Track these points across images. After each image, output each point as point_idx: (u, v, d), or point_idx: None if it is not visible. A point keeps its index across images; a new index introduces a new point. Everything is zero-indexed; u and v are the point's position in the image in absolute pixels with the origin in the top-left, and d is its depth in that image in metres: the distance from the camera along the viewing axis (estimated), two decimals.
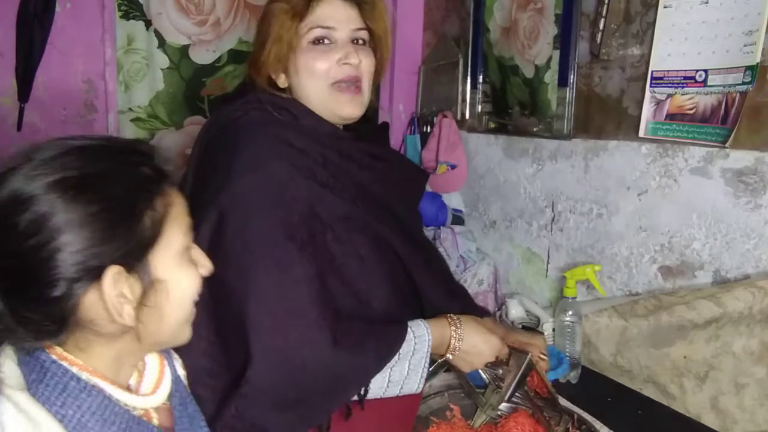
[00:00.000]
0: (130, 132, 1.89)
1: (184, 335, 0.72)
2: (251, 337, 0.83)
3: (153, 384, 0.71)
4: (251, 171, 0.89)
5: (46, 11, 1.70)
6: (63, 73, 1.77)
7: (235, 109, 0.99)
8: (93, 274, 0.58)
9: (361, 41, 1.01)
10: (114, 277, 0.59)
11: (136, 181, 0.62)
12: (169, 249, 0.65)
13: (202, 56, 1.94)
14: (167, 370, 0.74)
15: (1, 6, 1.66)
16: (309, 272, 0.87)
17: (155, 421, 0.69)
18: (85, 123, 1.83)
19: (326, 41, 0.98)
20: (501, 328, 1.18)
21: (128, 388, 0.69)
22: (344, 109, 1.00)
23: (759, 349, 1.11)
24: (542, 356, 1.16)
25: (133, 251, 0.61)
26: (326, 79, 0.98)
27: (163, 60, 1.89)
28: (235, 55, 1.97)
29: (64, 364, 0.61)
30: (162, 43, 1.87)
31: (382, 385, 0.92)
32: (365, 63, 1.00)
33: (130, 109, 1.88)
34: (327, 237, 0.92)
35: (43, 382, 0.60)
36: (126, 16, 1.83)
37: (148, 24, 1.85)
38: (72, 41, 1.77)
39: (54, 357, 0.61)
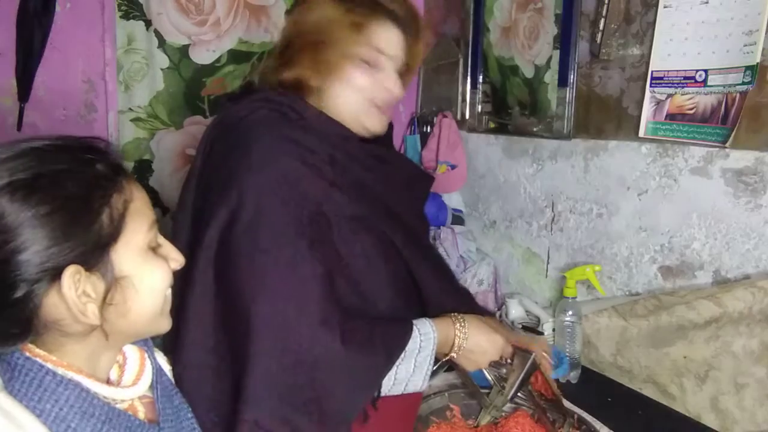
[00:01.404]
0: (130, 132, 1.89)
1: (162, 326, 0.72)
2: (260, 335, 0.83)
3: (134, 377, 0.71)
4: (260, 169, 0.89)
5: (46, 11, 1.70)
6: (63, 73, 1.77)
7: (242, 107, 0.99)
8: (52, 274, 0.58)
9: (399, 71, 1.03)
10: (73, 277, 0.59)
11: (90, 179, 0.62)
12: (132, 245, 0.64)
13: (202, 56, 1.93)
14: (148, 362, 0.74)
15: (1, 6, 1.66)
16: (318, 270, 0.87)
17: (141, 415, 0.69)
18: (85, 123, 1.83)
19: (377, 63, 0.99)
20: (504, 329, 1.18)
21: (109, 382, 0.68)
22: (373, 123, 1.02)
23: (759, 349, 1.11)
24: (545, 357, 1.16)
25: (93, 249, 0.60)
26: (365, 98, 1.00)
27: (163, 60, 1.89)
28: (235, 55, 1.97)
29: (38, 360, 0.61)
30: (162, 43, 1.87)
31: (388, 383, 0.92)
32: (402, 92, 1.04)
33: (130, 109, 1.87)
34: (333, 236, 0.92)
35: (18, 379, 0.60)
36: (126, 16, 1.82)
37: (148, 24, 1.84)
38: (72, 41, 1.77)
39: (27, 354, 0.61)
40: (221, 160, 0.95)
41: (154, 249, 0.69)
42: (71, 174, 0.61)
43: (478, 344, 1.00)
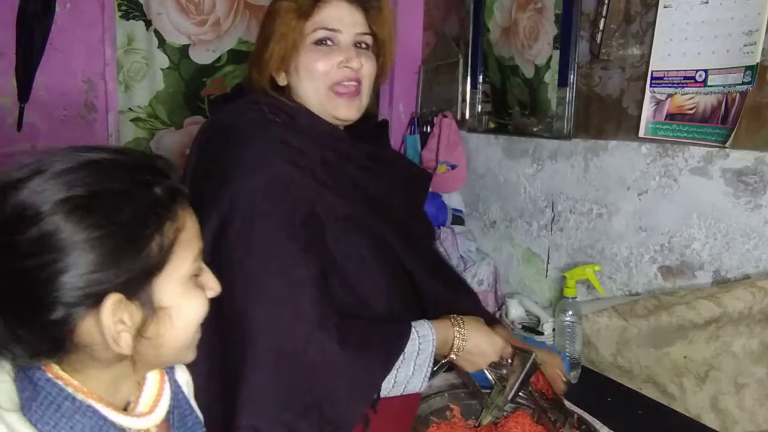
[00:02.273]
0: (130, 132, 1.89)
1: (188, 358, 0.70)
2: (255, 340, 0.82)
3: (151, 401, 0.69)
4: (252, 172, 0.89)
5: (46, 11, 1.70)
6: (63, 73, 1.77)
7: (233, 110, 0.98)
8: (92, 300, 0.56)
9: (363, 45, 1.01)
10: (113, 306, 0.57)
11: (147, 204, 0.59)
12: (175, 276, 0.62)
13: (202, 56, 1.94)
14: (167, 386, 0.72)
15: (1, 6, 1.66)
16: (311, 273, 0.87)
17: None
18: (85, 123, 1.83)
19: (329, 43, 0.98)
20: (514, 340, 1.16)
21: (126, 405, 0.67)
22: (340, 111, 1.00)
23: (759, 349, 1.11)
24: (560, 375, 1.15)
25: (137, 279, 0.58)
26: (325, 81, 0.98)
27: (163, 60, 1.89)
28: (235, 55, 1.97)
29: (59, 383, 0.59)
30: (162, 43, 1.87)
31: (387, 385, 0.91)
32: (366, 67, 1.00)
33: (130, 109, 1.88)
34: (327, 237, 0.92)
35: (36, 401, 0.58)
36: (126, 16, 1.83)
37: (148, 24, 1.85)
38: (72, 41, 1.77)
39: (49, 375, 0.59)
40: (212, 163, 0.94)
41: (195, 276, 0.66)
42: (128, 197, 0.58)
43: (477, 346, 1.00)
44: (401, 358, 0.91)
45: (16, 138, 1.72)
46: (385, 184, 1.05)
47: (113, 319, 0.57)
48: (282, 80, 1.01)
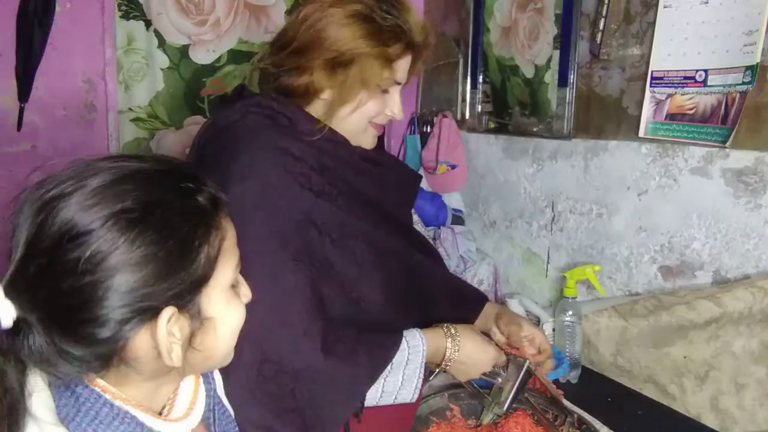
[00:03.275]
0: (130, 132, 1.89)
1: (226, 361, 0.70)
2: (241, 345, 0.81)
3: (187, 404, 0.68)
4: (246, 178, 0.88)
5: (46, 11, 1.70)
6: (63, 73, 1.77)
7: (233, 112, 0.97)
8: (145, 315, 0.55)
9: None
10: (168, 319, 0.56)
11: (195, 215, 0.59)
12: (219, 285, 0.62)
13: (202, 56, 1.93)
14: (202, 389, 0.71)
15: (1, 6, 1.66)
16: (301, 281, 0.87)
17: None
18: (85, 123, 1.83)
19: (389, 90, 1.00)
20: (510, 315, 1.18)
21: (162, 409, 0.67)
22: (368, 141, 1.03)
23: (759, 349, 1.11)
24: (543, 351, 1.13)
25: (187, 291, 0.58)
26: (368, 117, 1.00)
27: (163, 60, 1.89)
28: (235, 55, 1.97)
29: (97, 390, 0.59)
30: (162, 43, 1.87)
31: (375, 395, 0.91)
32: (401, 117, 1.05)
33: (130, 109, 1.87)
34: (325, 244, 0.92)
35: (74, 407, 0.57)
36: (126, 16, 1.82)
37: (148, 24, 1.84)
38: (72, 41, 1.77)
39: (86, 382, 0.59)
40: (209, 166, 0.93)
41: (233, 286, 0.66)
42: (176, 207, 0.57)
43: (469, 356, 1.00)
44: (389, 368, 0.91)
45: (16, 138, 1.72)
46: (384, 187, 1.06)
47: (167, 333, 0.57)
48: (327, 95, 0.97)
